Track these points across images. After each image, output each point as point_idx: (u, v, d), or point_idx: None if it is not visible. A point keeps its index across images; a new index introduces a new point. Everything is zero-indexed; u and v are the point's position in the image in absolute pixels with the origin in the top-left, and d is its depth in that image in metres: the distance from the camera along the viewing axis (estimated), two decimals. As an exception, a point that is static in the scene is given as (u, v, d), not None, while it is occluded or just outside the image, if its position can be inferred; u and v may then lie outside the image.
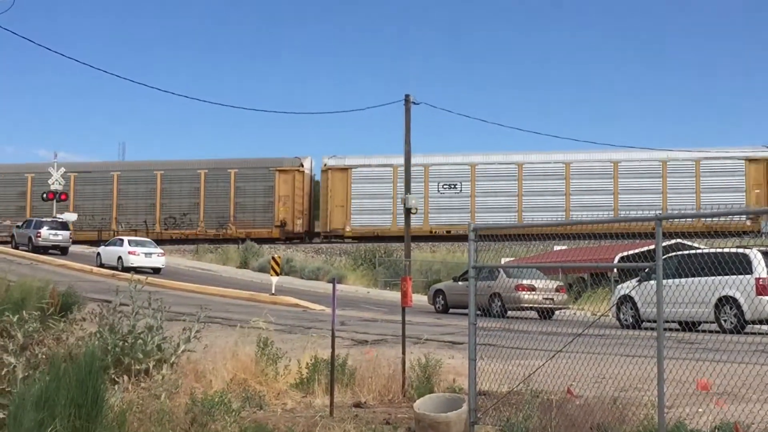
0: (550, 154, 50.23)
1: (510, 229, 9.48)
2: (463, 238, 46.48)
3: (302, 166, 52.44)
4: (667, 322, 6.95)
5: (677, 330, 13.03)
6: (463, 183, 50.08)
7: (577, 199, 48.51)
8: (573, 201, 48.59)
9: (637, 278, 17.55)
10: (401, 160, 49.92)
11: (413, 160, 49.81)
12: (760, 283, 16.68)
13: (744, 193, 47.71)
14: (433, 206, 49.83)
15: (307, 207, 53.10)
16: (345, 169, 51.02)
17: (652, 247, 6.61)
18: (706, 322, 16.63)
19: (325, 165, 51.69)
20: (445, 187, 50.08)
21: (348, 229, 50.31)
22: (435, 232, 49.88)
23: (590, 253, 26.38)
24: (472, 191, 49.80)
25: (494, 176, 49.87)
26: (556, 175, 49.55)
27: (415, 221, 48.83)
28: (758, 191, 47.50)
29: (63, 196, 50.41)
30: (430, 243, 49.15)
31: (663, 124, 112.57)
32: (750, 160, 48.22)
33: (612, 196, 48.70)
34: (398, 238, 48.02)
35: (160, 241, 43.65)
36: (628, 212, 44.57)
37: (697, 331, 15.17)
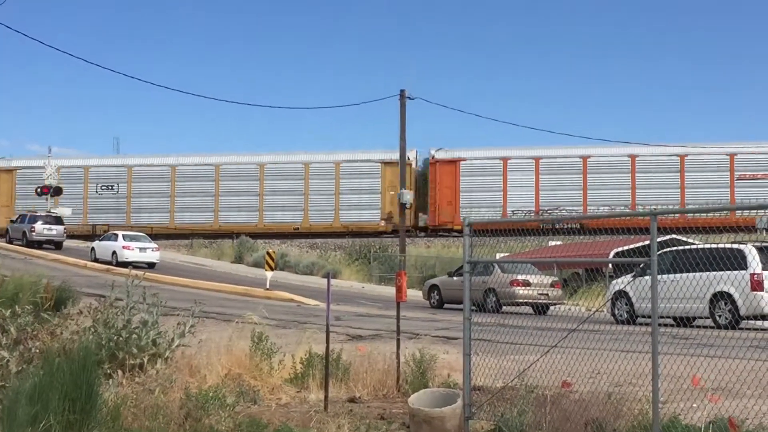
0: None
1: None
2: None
3: None
4: (662, 317, 6.94)
5: (672, 325, 13.06)
6: (120, 184, 53.92)
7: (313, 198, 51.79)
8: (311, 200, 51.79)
9: (632, 274, 17.58)
10: (63, 162, 53.20)
11: (71, 162, 53.83)
12: (755, 278, 16.70)
13: (380, 194, 50.66)
14: (91, 206, 53.60)
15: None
16: (10, 171, 54.67)
17: (647, 242, 6.60)
18: (701, 318, 16.67)
19: None
20: (102, 188, 53.95)
21: None
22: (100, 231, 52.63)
23: (585, 249, 26.34)
24: (129, 192, 53.67)
25: (150, 177, 53.36)
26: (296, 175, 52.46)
27: (71, 221, 51.09)
28: (392, 193, 48.86)
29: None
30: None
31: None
32: (385, 162, 50.46)
33: (334, 197, 51.68)
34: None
35: None
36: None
37: (692, 326, 15.21)
